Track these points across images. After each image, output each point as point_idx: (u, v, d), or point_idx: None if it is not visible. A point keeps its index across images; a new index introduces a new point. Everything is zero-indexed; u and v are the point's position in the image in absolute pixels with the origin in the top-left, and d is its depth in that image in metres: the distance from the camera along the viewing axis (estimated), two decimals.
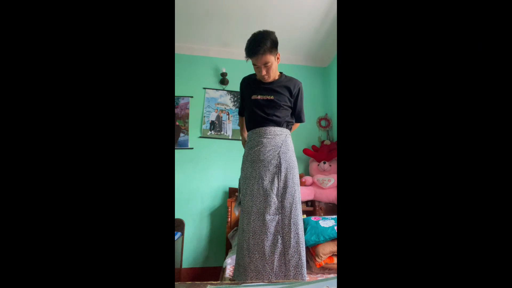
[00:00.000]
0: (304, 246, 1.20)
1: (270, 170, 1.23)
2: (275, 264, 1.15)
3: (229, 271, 1.60)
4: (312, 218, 1.85)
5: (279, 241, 1.17)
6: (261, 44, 1.18)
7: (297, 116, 1.39)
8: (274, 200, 1.20)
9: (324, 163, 2.52)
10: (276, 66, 1.28)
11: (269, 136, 1.27)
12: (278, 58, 1.27)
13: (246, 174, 1.30)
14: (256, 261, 1.16)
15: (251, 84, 1.36)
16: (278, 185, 1.22)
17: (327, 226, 1.70)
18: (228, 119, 2.76)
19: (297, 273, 1.14)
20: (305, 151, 2.63)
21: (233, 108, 2.80)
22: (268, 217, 1.18)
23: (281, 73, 1.37)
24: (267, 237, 1.17)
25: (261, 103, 1.30)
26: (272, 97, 1.29)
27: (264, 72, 1.25)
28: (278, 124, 1.30)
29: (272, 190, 1.21)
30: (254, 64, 1.26)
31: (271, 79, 1.29)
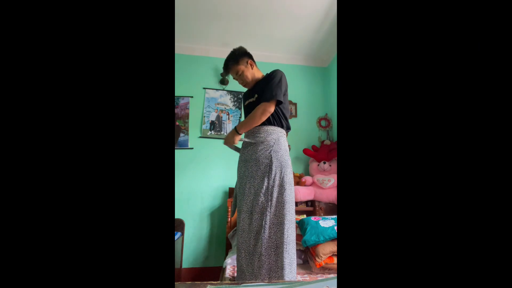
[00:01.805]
0: (291, 248, 1.18)
1: (261, 169, 1.25)
2: (255, 264, 1.15)
3: (229, 271, 1.60)
4: (312, 218, 1.85)
5: (264, 240, 1.16)
6: (227, 62, 1.42)
7: (262, 97, 1.30)
8: (261, 199, 1.21)
9: (324, 163, 2.52)
10: (251, 71, 1.43)
11: (262, 135, 1.30)
12: (250, 64, 1.44)
13: (240, 174, 1.33)
14: (241, 260, 1.19)
15: (245, 93, 1.53)
16: (268, 184, 1.23)
17: (327, 226, 1.70)
18: (228, 119, 2.76)
19: (279, 277, 1.12)
20: (305, 151, 2.63)
21: (233, 108, 2.80)
22: (255, 216, 1.20)
23: (265, 74, 1.46)
24: (253, 236, 1.19)
25: (251, 105, 1.38)
26: (256, 96, 1.37)
27: (240, 81, 1.45)
28: (270, 122, 1.32)
29: (261, 189, 1.22)
30: (233, 77, 1.46)
31: (250, 83, 1.44)
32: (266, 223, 1.18)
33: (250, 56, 1.45)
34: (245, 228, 1.21)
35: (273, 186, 1.22)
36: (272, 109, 1.28)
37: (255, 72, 1.45)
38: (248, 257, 1.17)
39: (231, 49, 1.45)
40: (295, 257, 1.20)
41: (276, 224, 1.18)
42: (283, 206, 1.20)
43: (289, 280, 1.11)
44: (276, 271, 1.14)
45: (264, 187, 1.22)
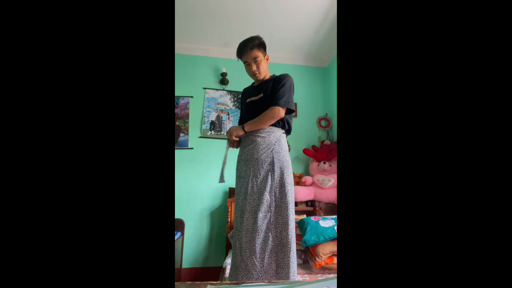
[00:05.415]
0: (294, 248, 1.19)
1: (264, 168, 1.25)
2: (265, 262, 1.15)
3: (229, 271, 1.60)
4: (312, 218, 1.85)
5: (270, 239, 1.17)
6: (248, 42, 1.33)
7: (274, 99, 1.30)
8: (267, 197, 1.21)
9: (324, 163, 2.52)
10: (266, 65, 1.39)
11: (263, 135, 1.30)
12: (267, 59, 1.40)
13: (240, 173, 1.32)
14: (247, 259, 1.17)
15: (246, 91, 1.49)
16: (272, 183, 1.23)
17: (327, 226, 1.70)
18: (228, 119, 2.77)
19: (285, 275, 1.13)
20: (305, 151, 2.63)
21: (233, 108, 2.80)
22: (260, 215, 1.19)
23: (273, 74, 1.44)
24: (258, 235, 1.17)
25: (254, 104, 1.36)
26: (261, 95, 1.34)
27: (254, 67, 1.35)
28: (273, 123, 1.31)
29: (265, 188, 1.22)
30: (245, 62, 1.37)
31: (261, 76, 1.38)
32: (272, 223, 1.19)
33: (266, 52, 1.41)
34: (249, 228, 1.19)
35: (276, 186, 1.22)
36: (282, 114, 1.29)
37: (267, 69, 1.41)
38: (254, 255, 1.16)
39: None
40: (296, 257, 1.21)
41: (281, 224, 1.19)
42: (287, 206, 1.21)
43: (291, 279, 1.13)
44: (283, 270, 1.15)
45: (268, 186, 1.22)
